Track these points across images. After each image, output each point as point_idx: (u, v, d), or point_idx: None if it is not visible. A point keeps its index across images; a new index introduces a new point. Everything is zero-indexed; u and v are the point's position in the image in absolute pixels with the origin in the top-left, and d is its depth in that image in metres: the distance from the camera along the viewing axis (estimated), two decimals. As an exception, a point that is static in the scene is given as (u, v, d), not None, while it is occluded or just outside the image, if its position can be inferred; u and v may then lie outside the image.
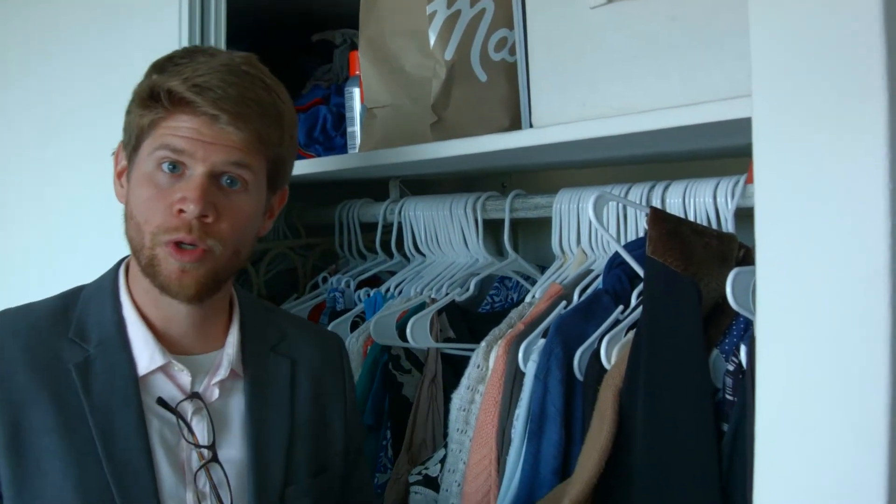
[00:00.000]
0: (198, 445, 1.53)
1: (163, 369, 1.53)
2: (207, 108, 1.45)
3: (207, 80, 1.46)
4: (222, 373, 1.58)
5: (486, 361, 1.78)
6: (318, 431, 1.69)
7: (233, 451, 1.57)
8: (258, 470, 1.57)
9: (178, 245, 1.47)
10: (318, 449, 1.68)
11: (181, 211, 1.46)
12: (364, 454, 1.85)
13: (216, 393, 1.57)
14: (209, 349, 1.60)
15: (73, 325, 1.53)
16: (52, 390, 1.46)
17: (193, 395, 1.54)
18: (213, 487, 1.52)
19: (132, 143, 1.51)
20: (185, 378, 1.54)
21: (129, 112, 1.53)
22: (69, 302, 1.58)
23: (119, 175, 1.57)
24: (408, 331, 1.93)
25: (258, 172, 1.53)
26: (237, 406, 1.60)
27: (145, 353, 1.52)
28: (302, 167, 2.23)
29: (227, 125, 1.46)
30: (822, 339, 1.09)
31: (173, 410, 1.52)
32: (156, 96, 1.48)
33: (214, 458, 1.53)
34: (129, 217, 1.51)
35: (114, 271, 1.61)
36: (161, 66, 1.51)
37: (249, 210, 1.54)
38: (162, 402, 1.51)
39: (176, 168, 1.47)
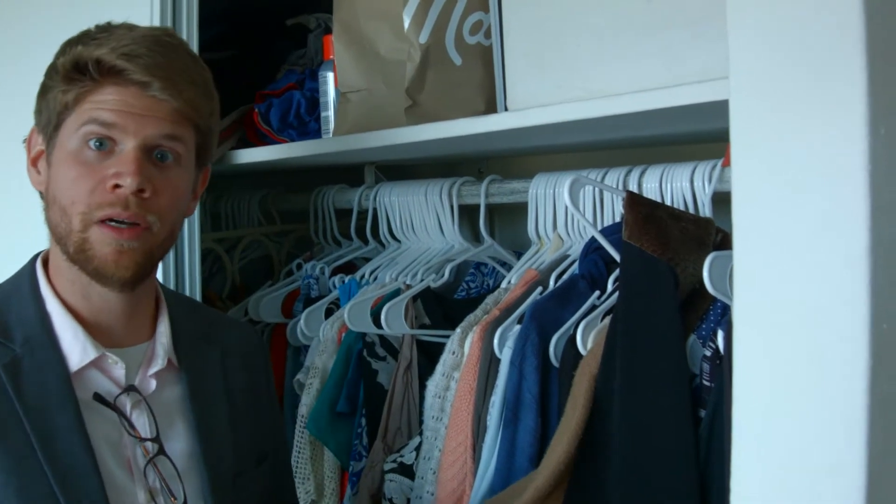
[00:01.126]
0: (142, 439, 1.48)
1: (95, 364, 1.46)
2: (139, 75, 1.40)
3: (135, 49, 1.41)
4: (159, 363, 1.53)
5: (461, 348, 1.78)
6: (256, 419, 1.68)
7: (179, 443, 1.53)
8: (210, 461, 1.54)
9: (113, 223, 1.41)
10: (258, 436, 1.67)
11: (116, 186, 1.40)
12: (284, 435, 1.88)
13: (153, 384, 1.52)
14: (139, 340, 1.54)
15: None
16: None
17: (130, 388, 1.49)
18: (164, 482, 1.48)
19: (52, 123, 1.44)
20: (119, 371, 1.48)
21: (46, 90, 1.45)
22: None
23: (34, 161, 1.50)
24: (382, 317, 1.92)
25: (189, 146, 1.49)
26: (175, 397, 1.56)
27: (76, 348, 1.45)
28: (276, 152, 2.23)
29: (159, 92, 1.41)
30: (800, 324, 1.09)
31: (112, 406, 1.46)
32: (81, 68, 1.41)
33: (161, 452, 1.49)
34: (51, 202, 1.45)
35: (29, 267, 1.53)
36: (78, 40, 1.44)
37: (182, 185, 1.50)
38: (99, 397, 1.45)
39: (104, 144, 1.41)
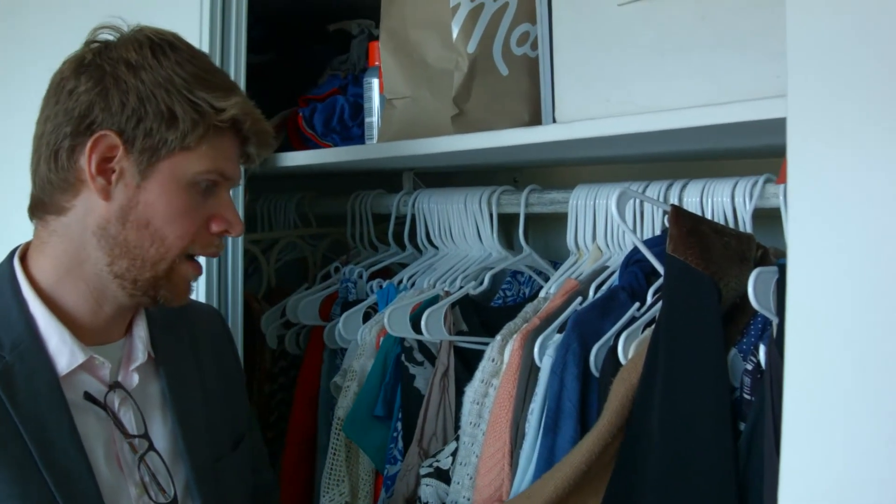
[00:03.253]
0: (130, 436, 1.50)
1: (82, 364, 1.47)
2: (252, 135, 1.53)
3: (247, 106, 1.51)
4: (140, 357, 1.55)
5: (500, 355, 1.79)
6: (229, 403, 1.72)
7: (160, 435, 1.56)
8: (191, 451, 1.57)
9: (194, 259, 1.51)
10: (232, 421, 1.71)
11: (224, 232, 1.52)
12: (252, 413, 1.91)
13: (136, 379, 1.54)
14: (118, 336, 1.57)
15: None
16: None
17: (115, 386, 1.51)
18: (153, 476, 1.50)
19: (159, 152, 1.45)
20: (104, 370, 1.50)
21: (162, 116, 1.44)
22: None
23: (109, 172, 1.45)
24: (422, 323, 1.93)
25: None
26: (155, 390, 1.59)
27: (64, 352, 1.45)
28: (321, 156, 2.24)
29: (254, 149, 1.55)
30: (853, 344, 1.09)
31: (102, 405, 1.48)
32: (221, 121, 1.47)
33: (151, 447, 1.51)
34: (139, 224, 1.46)
35: (7, 266, 1.52)
36: (204, 81, 1.48)
37: None
38: (90, 397, 1.47)
39: (211, 187, 1.50)
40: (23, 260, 1.52)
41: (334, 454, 2.07)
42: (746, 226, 1.65)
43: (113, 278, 1.48)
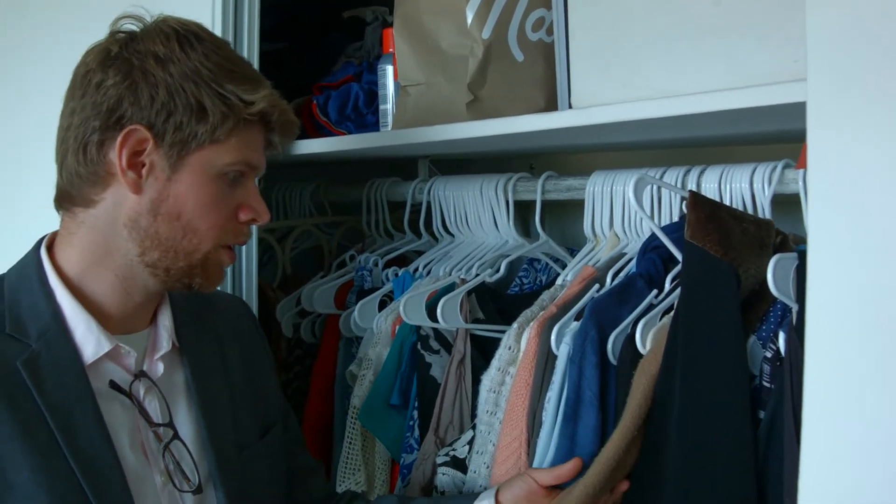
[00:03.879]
0: (155, 424, 1.51)
1: (108, 353, 1.48)
2: (279, 127, 1.55)
3: (273, 98, 1.51)
4: (165, 346, 1.56)
5: (517, 343, 1.78)
6: (256, 392, 1.71)
7: (184, 424, 1.56)
8: (215, 439, 1.57)
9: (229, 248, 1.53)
10: (259, 410, 1.71)
11: (252, 220, 1.53)
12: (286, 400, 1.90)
13: (161, 368, 1.55)
14: (143, 326, 1.57)
15: (8, 320, 1.45)
16: (2, 393, 1.38)
17: (140, 374, 1.52)
18: (178, 464, 1.51)
19: (189, 145, 1.45)
20: (130, 359, 1.51)
21: (191, 109, 1.44)
22: None
23: (139, 166, 1.46)
24: (438, 311, 1.92)
25: None
26: (179, 379, 1.59)
27: (90, 340, 1.46)
28: (335, 144, 2.23)
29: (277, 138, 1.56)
30: (873, 332, 1.08)
31: (128, 394, 1.49)
32: (250, 114, 1.48)
33: (176, 436, 1.52)
34: (171, 216, 1.47)
35: (34, 256, 1.53)
36: (232, 73, 1.48)
37: None
38: (115, 385, 1.48)
39: (239, 177, 1.51)
40: (49, 249, 1.53)
41: (350, 443, 2.07)
42: (765, 211, 1.63)
43: (144, 267, 1.49)
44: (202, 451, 1.57)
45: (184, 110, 1.43)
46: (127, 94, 1.44)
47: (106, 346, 1.47)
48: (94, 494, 1.38)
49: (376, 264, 2.35)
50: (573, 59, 1.72)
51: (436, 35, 2.00)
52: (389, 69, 2.21)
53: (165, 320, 1.59)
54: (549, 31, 1.87)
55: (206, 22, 1.99)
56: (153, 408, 1.52)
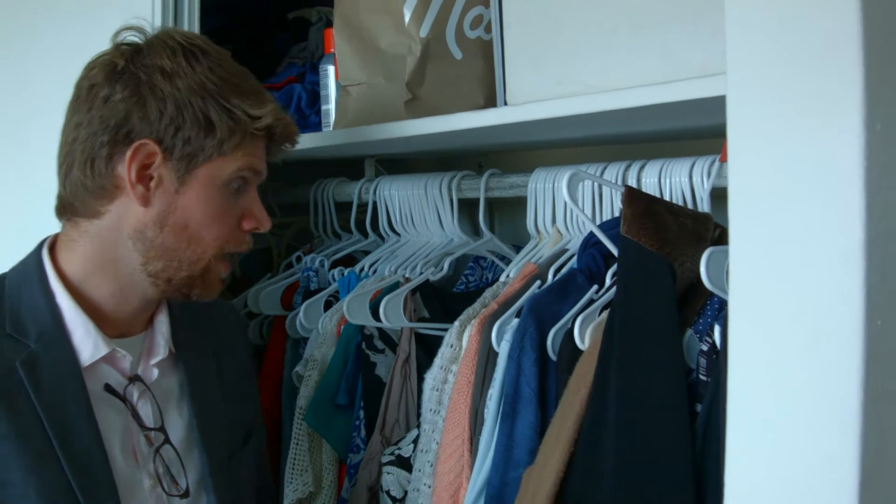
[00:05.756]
0: (146, 428, 1.53)
1: (104, 356, 1.51)
2: (283, 140, 1.59)
3: (277, 111, 1.54)
4: (161, 353, 1.58)
5: (459, 341, 1.78)
6: (243, 399, 1.74)
7: (178, 429, 1.58)
8: (208, 444, 1.59)
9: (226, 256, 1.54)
10: (245, 416, 1.73)
11: (254, 229, 1.56)
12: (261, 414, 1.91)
13: (155, 373, 1.57)
14: (139, 330, 1.59)
15: (8, 320, 1.48)
16: None
17: (135, 378, 1.53)
18: (167, 468, 1.53)
19: (197, 159, 1.48)
20: (125, 363, 1.53)
21: (193, 124, 1.47)
22: None
23: (147, 179, 1.48)
24: (381, 310, 1.92)
25: None
26: (174, 384, 1.61)
27: (87, 343, 1.49)
28: (276, 145, 2.22)
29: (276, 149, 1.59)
30: (795, 319, 1.08)
31: (122, 398, 1.51)
32: (257, 129, 1.50)
33: (167, 441, 1.54)
34: (178, 227, 1.49)
35: (36, 257, 1.55)
36: (237, 88, 1.51)
37: None
38: (110, 388, 1.50)
39: (243, 187, 1.53)
40: (51, 251, 1.55)
41: (297, 444, 2.06)
42: (705, 205, 1.64)
43: (146, 276, 1.51)
44: (193, 456, 1.59)
45: (192, 125, 1.46)
46: (135, 109, 1.46)
47: (103, 350, 1.50)
48: (84, 497, 1.41)
49: (322, 265, 2.34)
50: (508, 56, 1.72)
51: (374, 34, 1.99)
52: (331, 69, 2.21)
53: (162, 326, 1.61)
54: (488, 29, 1.88)
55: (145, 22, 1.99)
56: (146, 412, 1.54)
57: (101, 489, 1.44)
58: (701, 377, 1.43)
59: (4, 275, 1.56)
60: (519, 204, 2.09)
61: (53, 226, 1.58)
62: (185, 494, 1.54)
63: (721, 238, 1.56)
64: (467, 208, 2.20)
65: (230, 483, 1.62)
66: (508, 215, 2.51)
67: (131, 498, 1.48)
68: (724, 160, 1.58)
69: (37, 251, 1.56)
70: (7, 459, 1.39)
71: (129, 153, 1.46)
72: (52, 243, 1.57)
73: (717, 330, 1.41)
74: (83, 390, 1.46)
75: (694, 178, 1.65)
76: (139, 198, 1.48)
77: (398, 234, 2.31)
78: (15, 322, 1.47)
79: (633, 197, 1.53)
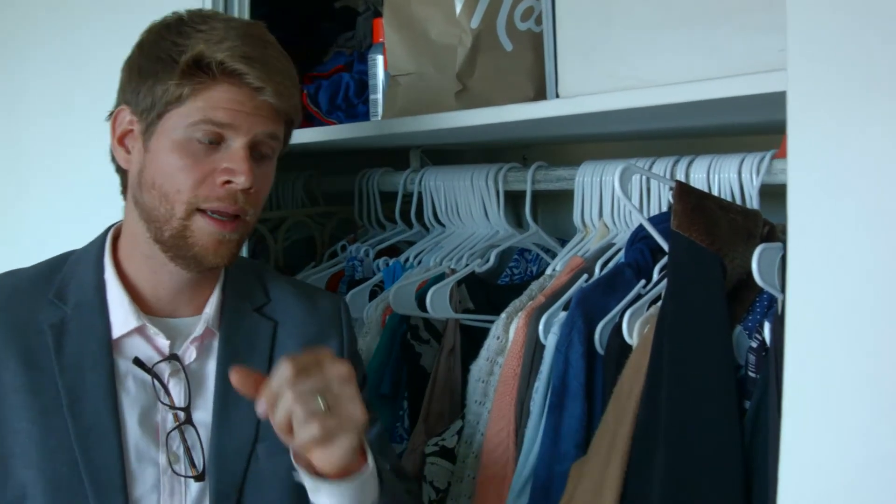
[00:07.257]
0: (173, 407, 1.53)
1: (141, 332, 1.54)
2: (256, 80, 1.47)
3: (250, 52, 1.47)
4: (197, 331, 1.57)
5: (505, 333, 1.78)
6: None
7: (205, 412, 1.57)
8: (222, 430, 1.56)
9: (216, 216, 1.49)
10: None
11: (227, 182, 1.48)
12: (375, 412, 1.80)
13: (193, 353, 1.57)
14: (196, 312, 1.60)
15: (55, 287, 1.54)
16: (24, 350, 1.48)
17: (172, 357, 1.54)
18: (187, 450, 1.52)
19: (156, 110, 1.48)
20: (162, 341, 1.54)
21: (149, 76, 1.48)
22: (56, 265, 1.59)
23: (121, 138, 1.54)
24: (427, 300, 1.92)
25: (281, 140, 1.57)
26: (213, 368, 1.59)
27: (120, 316, 1.53)
28: (324, 134, 2.23)
29: (271, 97, 1.48)
30: (852, 318, 1.08)
31: (149, 371, 1.52)
32: (202, 66, 1.46)
33: (188, 421, 1.53)
34: (147, 185, 1.50)
35: (102, 236, 1.61)
36: (182, 31, 1.48)
37: (272, 176, 1.58)
38: (138, 362, 1.52)
39: (213, 140, 1.48)
40: (118, 233, 1.61)
41: (340, 434, 2.06)
42: (753, 202, 1.63)
43: (154, 243, 1.53)
44: (213, 440, 1.56)
45: (145, 80, 1.49)
46: (121, 84, 1.55)
47: (132, 323, 1.53)
48: (83, 456, 1.44)
49: (367, 254, 2.35)
50: (560, 49, 1.72)
51: (425, 24, 1.99)
52: (380, 59, 2.21)
53: (209, 307, 1.60)
54: (539, 21, 1.87)
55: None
56: (176, 391, 1.54)
57: (104, 451, 1.46)
58: (750, 374, 1.43)
59: (74, 251, 1.61)
60: (561, 197, 2.09)
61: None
62: (201, 477, 1.53)
63: (770, 235, 1.55)
64: (511, 200, 2.20)
65: (242, 473, 1.56)
66: (550, 208, 2.50)
67: (141, 471, 1.49)
68: (781, 156, 1.57)
69: (104, 232, 1.62)
70: (17, 410, 1.45)
71: (111, 122, 1.55)
72: (120, 226, 1.62)
73: (766, 327, 1.40)
74: (107, 359, 1.50)
75: (743, 175, 1.64)
76: (123, 161, 1.55)
77: (443, 226, 2.31)
78: (60, 290, 1.54)
79: (684, 192, 1.52)
